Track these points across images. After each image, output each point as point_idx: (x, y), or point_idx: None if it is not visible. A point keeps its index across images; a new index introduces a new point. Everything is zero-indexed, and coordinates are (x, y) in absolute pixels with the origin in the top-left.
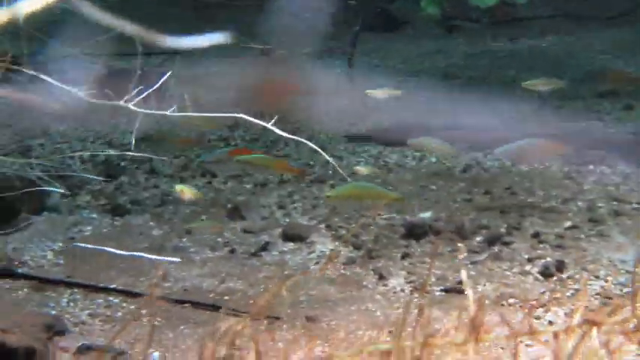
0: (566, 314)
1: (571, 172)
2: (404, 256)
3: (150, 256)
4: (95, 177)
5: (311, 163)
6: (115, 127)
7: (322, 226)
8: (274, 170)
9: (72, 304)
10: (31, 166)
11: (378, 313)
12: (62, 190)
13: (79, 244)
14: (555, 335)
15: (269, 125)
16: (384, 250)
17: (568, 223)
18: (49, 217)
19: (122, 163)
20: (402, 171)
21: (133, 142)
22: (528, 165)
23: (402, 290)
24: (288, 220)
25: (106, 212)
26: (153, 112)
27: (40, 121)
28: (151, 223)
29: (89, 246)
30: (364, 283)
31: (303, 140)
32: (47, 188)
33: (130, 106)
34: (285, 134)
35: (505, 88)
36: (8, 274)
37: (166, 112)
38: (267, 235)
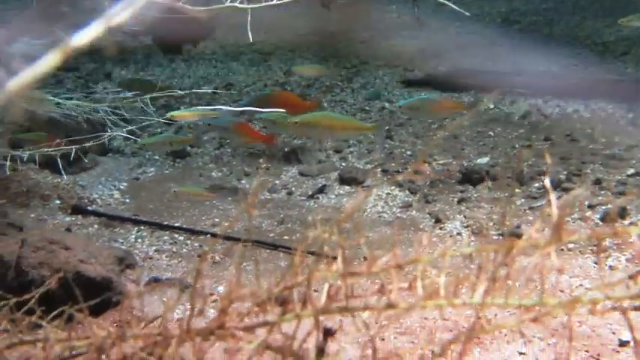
0: (627, 260)
1: (636, 119)
2: (460, 201)
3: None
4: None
5: (367, 108)
6: (173, 71)
7: (378, 170)
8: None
9: (139, 240)
10: (96, 110)
11: (436, 255)
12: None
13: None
14: None
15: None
16: (441, 194)
17: (631, 171)
18: (115, 159)
19: (182, 107)
20: (458, 116)
21: (250, 36)
22: (424, 118)
23: (459, 234)
24: (344, 164)
25: (167, 155)
26: (258, 5)
27: (103, 66)
28: (211, 165)
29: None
30: (421, 226)
31: None
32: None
33: (237, 5)
34: None
35: (568, 36)
36: (79, 211)
37: (263, 4)
38: (324, 178)
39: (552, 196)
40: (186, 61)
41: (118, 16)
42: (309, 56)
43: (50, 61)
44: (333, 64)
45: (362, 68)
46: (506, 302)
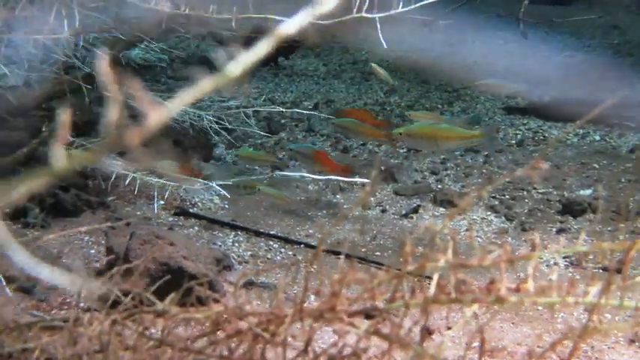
0: None
1: None
2: (559, 231)
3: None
4: (258, 131)
5: None
6: (277, 86)
7: (475, 194)
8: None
9: (236, 244)
10: (201, 117)
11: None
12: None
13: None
14: None
15: None
16: (539, 223)
17: None
18: (217, 166)
19: (282, 121)
20: (562, 147)
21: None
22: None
23: (556, 264)
24: (440, 185)
25: (266, 165)
26: None
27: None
28: (307, 179)
29: (288, 173)
30: (516, 254)
31: None
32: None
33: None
34: None
35: None
36: (182, 213)
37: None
38: (419, 198)
39: None
40: (289, 77)
41: (325, 4)
42: (410, 77)
43: (262, 48)
44: (434, 87)
45: (463, 92)
46: (622, 304)
